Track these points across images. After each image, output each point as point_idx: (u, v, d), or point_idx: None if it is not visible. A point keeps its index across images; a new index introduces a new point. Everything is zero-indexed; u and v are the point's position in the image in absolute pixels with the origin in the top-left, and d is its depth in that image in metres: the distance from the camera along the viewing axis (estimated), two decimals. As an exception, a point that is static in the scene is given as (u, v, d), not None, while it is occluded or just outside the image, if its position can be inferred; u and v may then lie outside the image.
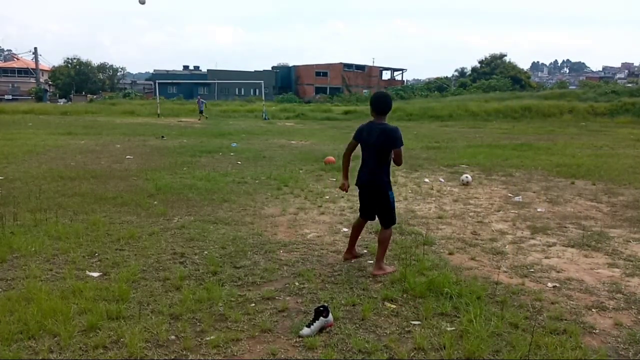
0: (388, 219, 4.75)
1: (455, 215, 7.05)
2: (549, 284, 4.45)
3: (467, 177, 9.53)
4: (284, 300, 3.99)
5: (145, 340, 3.28)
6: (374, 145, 4.59)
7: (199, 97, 36.09)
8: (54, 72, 67.34)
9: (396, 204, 4.95)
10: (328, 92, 64.60)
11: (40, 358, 3.07)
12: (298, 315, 3.72)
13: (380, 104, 4.68)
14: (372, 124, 4.67)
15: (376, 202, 4.75)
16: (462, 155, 13.43)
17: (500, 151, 14.37)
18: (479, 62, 64.00)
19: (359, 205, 4.99)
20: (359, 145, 4.74)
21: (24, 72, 73.37)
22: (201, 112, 32.14)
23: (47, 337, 3.29)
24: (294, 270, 4.68)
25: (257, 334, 3.42)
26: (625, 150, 15.41)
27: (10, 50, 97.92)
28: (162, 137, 18.26)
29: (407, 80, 79.71)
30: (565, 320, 3.71)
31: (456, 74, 70.65)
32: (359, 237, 5.13)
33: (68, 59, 67.43)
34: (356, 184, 4.80)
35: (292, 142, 17.68)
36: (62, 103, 51.63)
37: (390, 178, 4.78)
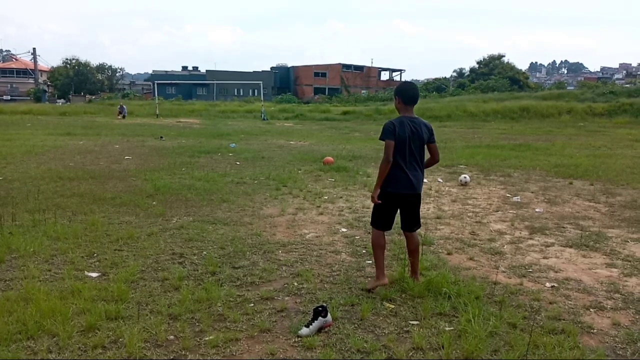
0: (419, 222, 4.39)
1: (453, 215, 7.07)
2: (547, 284, 4.46)
3: (465, 177, 9.54)
4: (282, 300, 4.00)
5: (144, 340, 3.28)
6: (423, 140, 4.15)
7: (121, 104, 35.98)
8: (53, 73, 67.20)
9: None
10: (327, 93, 64.55)
11: (39, 358, 3.08)
12: (297, 315, 3.73)
13: (415, 90, 4.16)
14: (409, 118, 4.11)
15: (417, 209, 4.29)
16: (460, 155, 13.44)
17: (498, 151, 14.38)
18: (477, 63, 64.00)
19: (380, 215, 4.22)
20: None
21: (23, 72, 73.31)
22: (121, 113, 32.54)
23: (46, 338, 3.29)
24: (293, 271, 4.69)
25: (255, 334, 3.43)
26: (623, 150, 15.43)
27: (9, 51, 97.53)
28: (161, 137, 18.25)
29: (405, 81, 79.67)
30: (563, 320, 3.72)
31: (454, 74, 70.56)
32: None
33: (67, 59, 67.36)
34: (401, 191, 4.11)
35: (291, 142, 17.68)
36: (60, 103, 51.58)
37: None
